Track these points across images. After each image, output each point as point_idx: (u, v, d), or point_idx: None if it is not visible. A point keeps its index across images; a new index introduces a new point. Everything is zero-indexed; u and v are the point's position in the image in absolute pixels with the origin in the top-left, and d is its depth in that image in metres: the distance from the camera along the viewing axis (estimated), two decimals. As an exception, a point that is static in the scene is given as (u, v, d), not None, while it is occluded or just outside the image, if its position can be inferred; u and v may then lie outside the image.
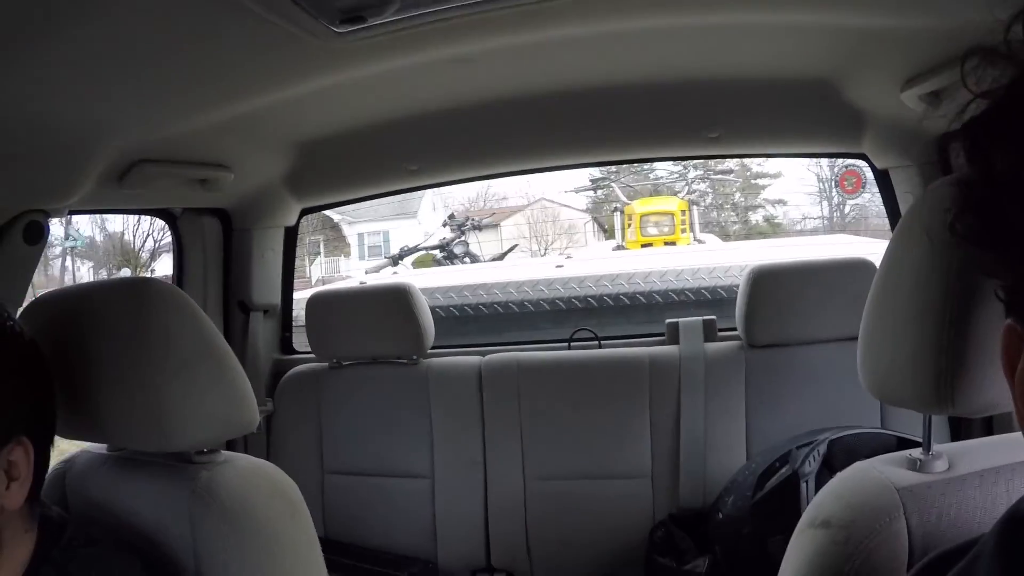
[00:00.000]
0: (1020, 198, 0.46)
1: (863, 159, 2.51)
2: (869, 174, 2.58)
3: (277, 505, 1.27)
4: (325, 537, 2.61)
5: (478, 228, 6.95)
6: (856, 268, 2.33)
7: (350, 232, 14.91)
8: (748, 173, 16.00)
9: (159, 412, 1.17)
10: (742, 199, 16.07)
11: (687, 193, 8.40)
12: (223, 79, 1.58)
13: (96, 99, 1.46)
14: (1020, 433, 1.03)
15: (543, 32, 1.63)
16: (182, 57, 1.40)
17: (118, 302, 1.23)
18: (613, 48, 1.90)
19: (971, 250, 0.53)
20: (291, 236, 2.94)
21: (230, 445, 2.76)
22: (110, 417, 1.21)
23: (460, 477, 2.59)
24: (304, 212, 2.91)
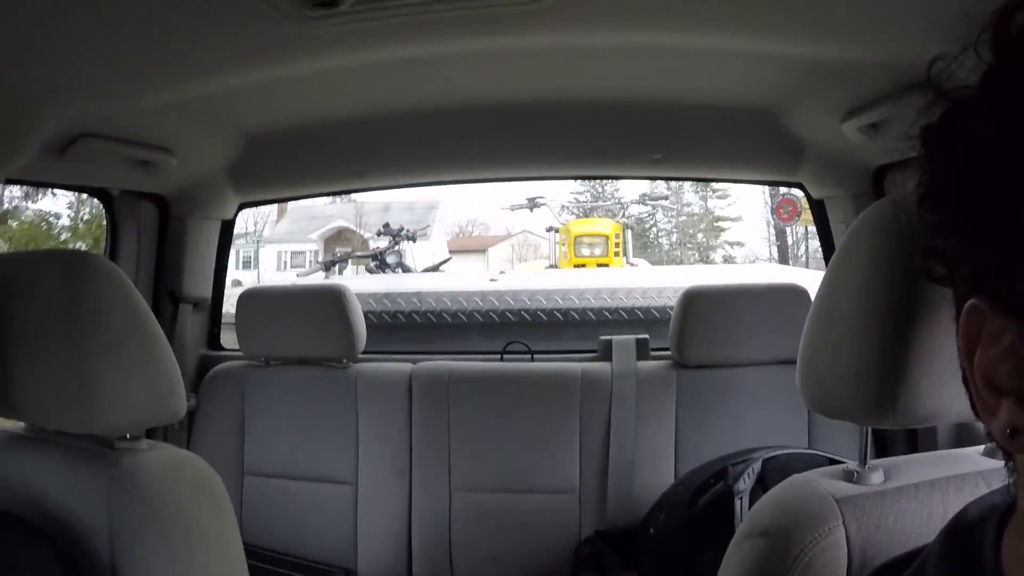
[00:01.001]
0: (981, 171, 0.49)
1: (800, 188, 2.57)
2: (805, 203, 2.63)
3: (201, 498, 1.25)
4: (244, 542, 2.56)
5: (412, 239, 6.92)
6: (788, 293, 2.38)
7: (373, 246, 15.12)
8: (711, 216, 16.83)
9: (86, 391, 1.14)
10: (704, 239, 16.76)
11: (624, 217, 8.47)
12: (182, 54, 1.53)
13: (42, 63, 1.41)
14: (952, 451, 1.06)
15: (502, 39, 1.64)
16: (139, 25, 1.35)
17: (51, 272, 1.19)
18: (568, 63, 1.91)
19: (929, 247, 0.57)
20: (227, 230, 2.88)
21: (150, 436, 2.69)
22: (33, 392, 1.17)
23: (384, 485, 2.54)
24: (242, 206, 2.85)
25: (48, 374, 1.15)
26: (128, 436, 1.26)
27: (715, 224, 17.01)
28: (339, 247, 16.17)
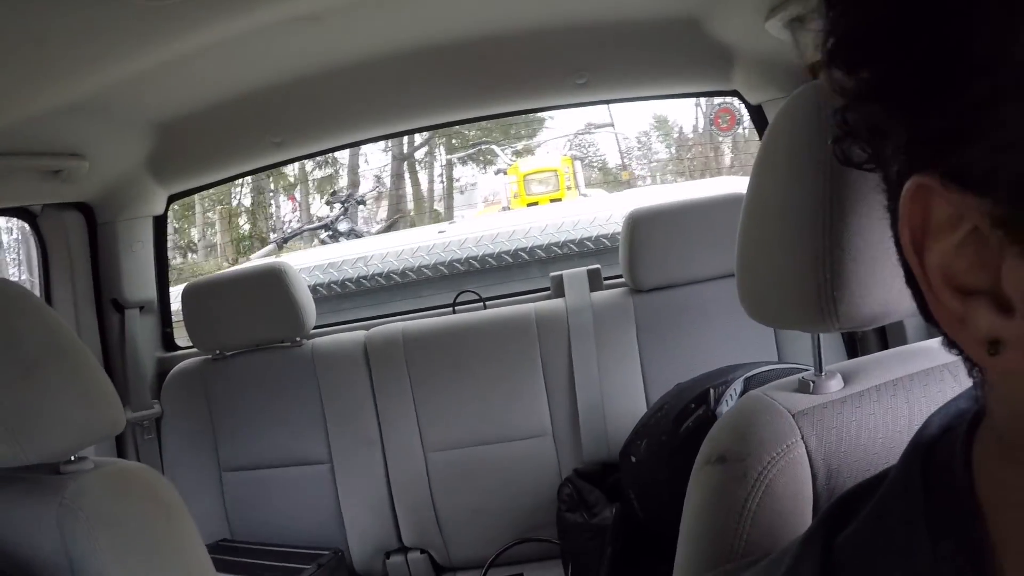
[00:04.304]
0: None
1: (736, 95, 2.51)
2: (744, 110, 2.57)
3: (150, 509, 1.24)
4: (231, 538, 2.58)
5: (362, 203, 6.86)
6: (734, 203, 2.31)
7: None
8: (676, 158, 17.73)
9: (8, 421, 1.12)
10: (672, 179, 17.57)
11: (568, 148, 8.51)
12: (50, 54, 1.45)
13: None
14: (915, 345, 1.01)
15: None
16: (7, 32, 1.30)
17: None
18: None
19: (845, 122, 0.45)
20: (160, 226, 2.80)
21: (121, 453, 2.67)
22: None
23: (359, 458, 2.52)
24: (172, 199, 2.78)
25: None
26: (73, 458, 1.25)
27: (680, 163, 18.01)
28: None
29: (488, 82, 2.43)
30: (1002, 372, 0.41)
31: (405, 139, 15.18)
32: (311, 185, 16.78)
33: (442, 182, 17.41)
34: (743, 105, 2.55)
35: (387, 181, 16.77)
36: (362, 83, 2.27)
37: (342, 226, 6.44)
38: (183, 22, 1.47)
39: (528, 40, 2.17)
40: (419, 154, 16.79)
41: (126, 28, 1.43)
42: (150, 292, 2.78)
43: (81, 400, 1.21)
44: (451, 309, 2.75)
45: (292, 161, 2.77)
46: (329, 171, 16.70)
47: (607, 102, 2.96)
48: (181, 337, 2.88)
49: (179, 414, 2.67)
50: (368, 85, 2.29)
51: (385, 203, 16.27)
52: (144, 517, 1.23)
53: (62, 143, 2.09)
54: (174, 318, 2.92)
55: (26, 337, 1.17)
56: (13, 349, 1.15)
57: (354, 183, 16.33)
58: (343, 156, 16.23)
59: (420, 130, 2.77)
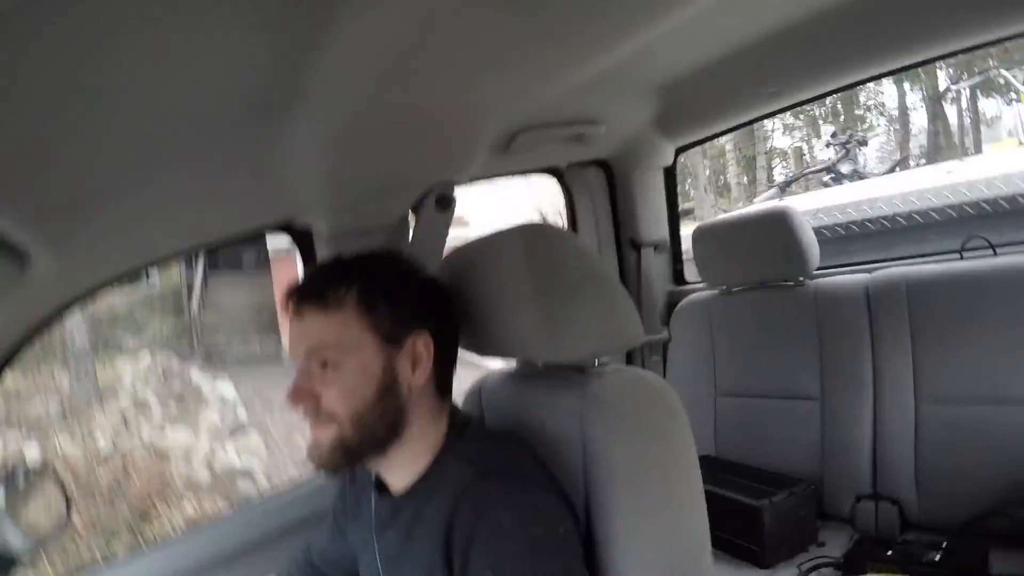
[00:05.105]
0: None
1: None
2: None
3: (657, 410, 1.41)
4: (716, 455, 2.78)
5: (863, 144, 6.67)
6: None
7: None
8: None
9: (553, 329, 1.36)
10: None
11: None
12: (575, 39, 1.61)
13: (476, 90, 1.66)
14: None
15: None
16: (532, 30, 1.47)
17: (516, 243, 1.42)
18: None
19: None
20: (670, 175, 3.11)
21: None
22: (516, 335, 1.41)
23: (848, 399, 2.50)
24: (679, 151, 3.04)
25: (526, 319, 1.38)
26: (597, 363, 1.49)
27: None
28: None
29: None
30: None
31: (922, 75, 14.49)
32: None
33: (969, 116, 16.45)
34: None
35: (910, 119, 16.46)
36: (855, 21, 2.13)
37: (844, 168, 6.33)
38: None
39: None
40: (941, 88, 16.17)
41: (635, 6, 1.62)
42: (663, 233, 3.11)
43: (608, 317, 1.42)
44: (958, 255, 2.54)
45: (788, 109, 2.79)
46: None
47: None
48: (691, 273, 3.15)
49: (684, 340, 2.96)
50: (862, 23, 2.15)
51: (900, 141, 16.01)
52: (647, 412, 1.40)
53: (583, 113, 2.39)
54: (685, 256, 3.21)
55: (570, 266, 1.41)
56: (560, 275, 1.39)
57: (904, 136, 16.03)
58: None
59: (914, 66, 2.52)
